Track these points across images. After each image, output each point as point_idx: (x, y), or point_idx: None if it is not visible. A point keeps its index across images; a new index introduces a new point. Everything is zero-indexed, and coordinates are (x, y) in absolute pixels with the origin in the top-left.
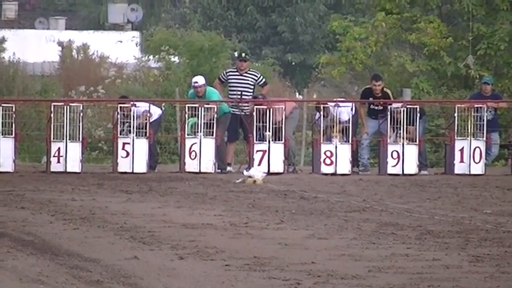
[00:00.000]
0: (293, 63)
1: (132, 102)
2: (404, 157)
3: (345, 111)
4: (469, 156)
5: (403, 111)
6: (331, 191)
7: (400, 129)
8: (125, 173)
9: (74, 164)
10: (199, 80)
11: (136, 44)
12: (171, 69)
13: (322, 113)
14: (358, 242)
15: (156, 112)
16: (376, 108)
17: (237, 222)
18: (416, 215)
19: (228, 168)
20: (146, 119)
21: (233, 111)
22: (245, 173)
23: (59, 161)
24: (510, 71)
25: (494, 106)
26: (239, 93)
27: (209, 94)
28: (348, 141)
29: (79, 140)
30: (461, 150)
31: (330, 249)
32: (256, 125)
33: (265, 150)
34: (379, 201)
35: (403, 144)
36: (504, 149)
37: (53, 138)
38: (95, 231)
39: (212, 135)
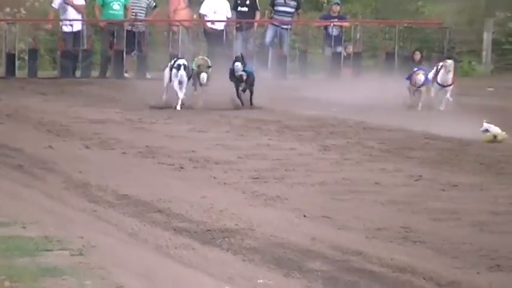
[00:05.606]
0: None
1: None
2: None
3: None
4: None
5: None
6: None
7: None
8: (43, 78)
9: (1, 71)
10: None
11: None
12: None
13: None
14: (230, 135)
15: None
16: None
17: (133, 118)
18: (278, 112)
19: (125, 75)
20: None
21: (130, 29)
22: (484, 125)
23: None
24: None
25: (340, 25)
26: (134, 14)
27: None
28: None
29: (5, 52)
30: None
31: (207, 140)
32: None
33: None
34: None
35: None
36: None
37: None
38: (18, 125)
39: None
